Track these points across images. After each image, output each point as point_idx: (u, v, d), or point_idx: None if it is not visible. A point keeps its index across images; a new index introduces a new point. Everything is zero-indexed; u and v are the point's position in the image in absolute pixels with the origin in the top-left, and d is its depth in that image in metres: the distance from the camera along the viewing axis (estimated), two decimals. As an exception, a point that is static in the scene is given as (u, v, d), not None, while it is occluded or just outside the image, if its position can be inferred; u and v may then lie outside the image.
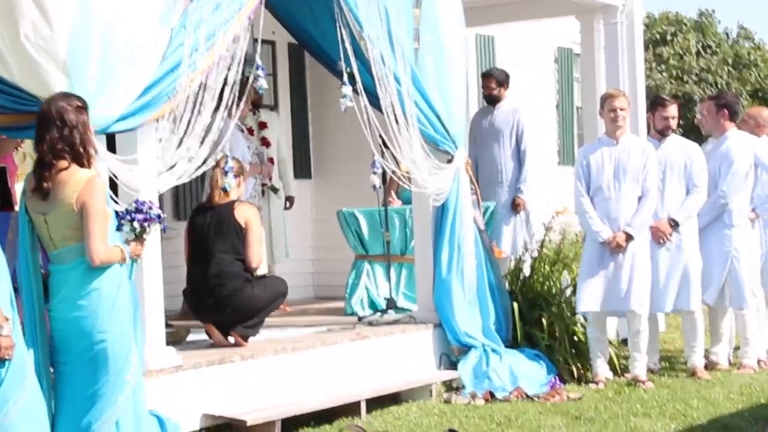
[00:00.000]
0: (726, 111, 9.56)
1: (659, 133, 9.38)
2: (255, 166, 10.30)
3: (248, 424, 7.08)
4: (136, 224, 5.79)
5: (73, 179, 5.64)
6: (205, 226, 8.10)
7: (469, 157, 11.37)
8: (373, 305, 10.10)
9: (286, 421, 7.29)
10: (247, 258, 8.02)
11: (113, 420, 5.67)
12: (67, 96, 5.81)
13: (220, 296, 7.94)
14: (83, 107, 5.77)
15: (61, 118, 5.66)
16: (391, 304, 9.58)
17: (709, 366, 9.38)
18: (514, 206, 11.03)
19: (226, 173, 7.52)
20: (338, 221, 10.46)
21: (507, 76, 11.38)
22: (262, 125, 11.55)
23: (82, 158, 5.70)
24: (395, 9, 8.46)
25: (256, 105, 10.89)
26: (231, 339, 7.99)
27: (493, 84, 11.25)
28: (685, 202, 9.17)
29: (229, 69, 7.06)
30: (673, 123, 9.36)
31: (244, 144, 10.21)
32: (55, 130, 5.64)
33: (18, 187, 7.86)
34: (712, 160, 9.42)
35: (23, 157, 8.12)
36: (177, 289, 8.43)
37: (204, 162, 6.96)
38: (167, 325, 7.30)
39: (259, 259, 8.14)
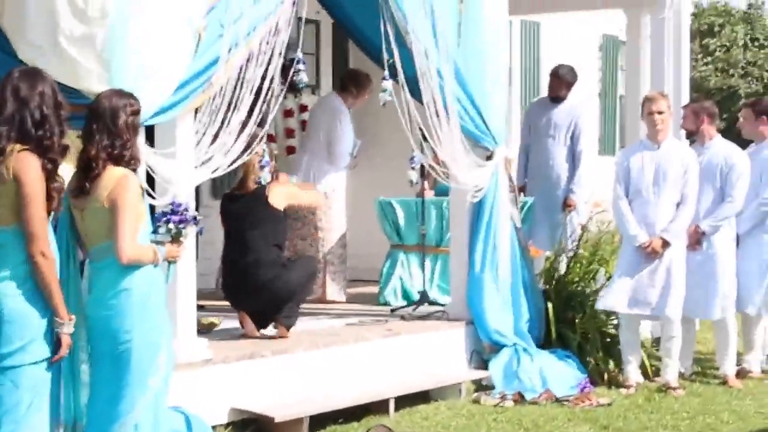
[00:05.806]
0: (765, 117, 9.41)
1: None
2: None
3: (276, 420, 7.09)
4: (171, 226, 5.72)
5: (106, 175, 5.53)
6: (239, 213, 8.06)
7: (520, 148, 11.37)
8: (406, 295, 10.09)
9: (314, 417, 7.27)
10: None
11: (132, 423, 5.53)
12: (126, 96, 5.68)
13: (258, 284, 7.92)
14: (138, 111, 5.68)
15: (115, 124, 5.54)
16: (424, 297, 9.55)
17: (742, 374, 9.29)
18: (565, 206, 10.94)
19: (262, 167, 7.45)
20: (375, 210, 10.42)
21: (576, 78, 11.25)
22: (303, 108, 11.52)
23: (128, 167, 5.62)
24: (440, 3, 8.38)
25: (296, 88, 10.83)
26: (264, 331, 7.98)
27: (563, 87, 11.11)
28: (716, 212, 9.04)
29: (269, 63, 7.01)
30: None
31: (352, 134, 10.22)
32: (106, 137, 5.52)
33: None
34: (753, 166, 9.27)
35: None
36: (211, 267, 8.35)
37: (240, 155, 6.94)
38: (200, 307, 7.26)
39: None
